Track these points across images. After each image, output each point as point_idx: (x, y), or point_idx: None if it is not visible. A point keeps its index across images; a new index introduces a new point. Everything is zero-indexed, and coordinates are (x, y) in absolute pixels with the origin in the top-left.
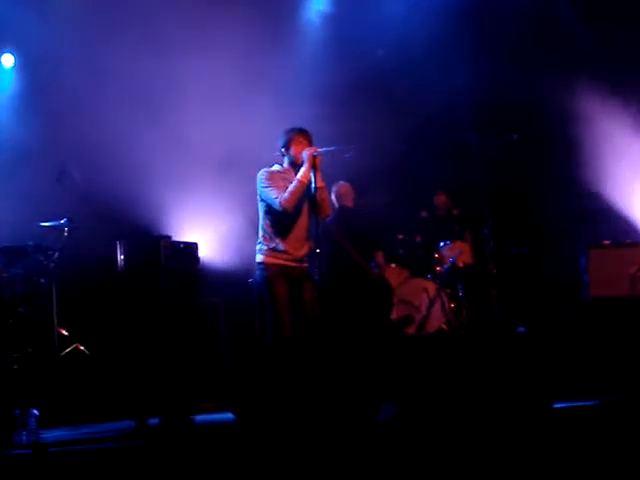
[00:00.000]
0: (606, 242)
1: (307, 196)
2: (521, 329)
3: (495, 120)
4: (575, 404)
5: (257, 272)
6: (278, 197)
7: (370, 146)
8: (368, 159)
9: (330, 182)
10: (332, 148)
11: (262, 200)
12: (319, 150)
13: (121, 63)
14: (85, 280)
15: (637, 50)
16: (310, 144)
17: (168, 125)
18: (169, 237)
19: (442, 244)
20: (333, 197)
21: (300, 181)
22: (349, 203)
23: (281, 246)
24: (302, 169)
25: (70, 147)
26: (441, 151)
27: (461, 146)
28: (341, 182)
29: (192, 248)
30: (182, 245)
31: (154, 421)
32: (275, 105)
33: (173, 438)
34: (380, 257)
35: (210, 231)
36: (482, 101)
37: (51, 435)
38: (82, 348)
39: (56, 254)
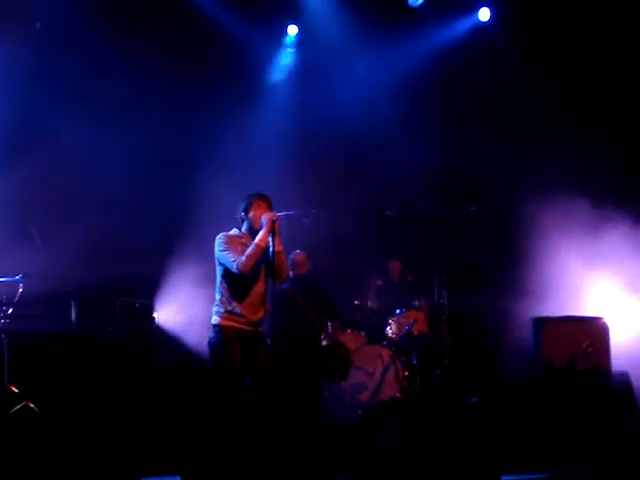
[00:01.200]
0: (559, 316)
1: (264, 261)
2: (474, 399)
3: (452, 191)
4: (525, 477)
5: (212, 334)
6: (236, 260)
7: (328, 212)
8: (326, 225)
9: (287, 246)
10: (291, 212)
11: (220, 264)
12: (278, 214)
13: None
14: (38, 337)
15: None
16: (269, 209)
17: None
18: (125, 296)
19: (398, 311)
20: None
21: (258, 245)
22: (304, 271)
23: (238, 309)
24: (260, 233)
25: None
26: (398, 219)
27: (419, 215)
28: (297, 251)
29: (148, 308)
30: (138, 304)
31: None
32: (237, 170)
33: None
34: (336, 326)
35: (167, 293)
36: (439, 172)
37: None
38: (32, 405)
39: (10, 310)
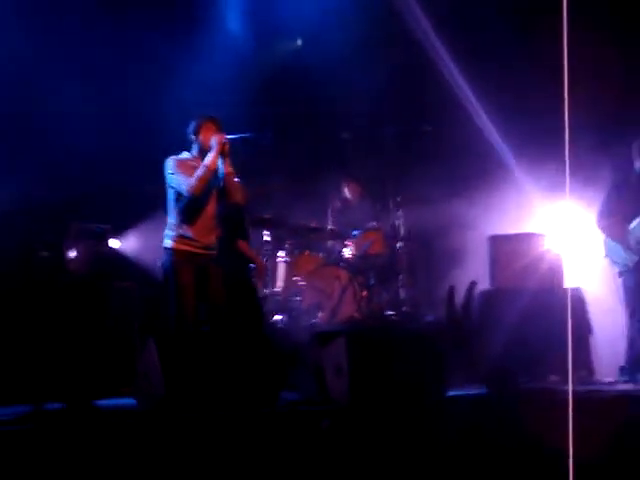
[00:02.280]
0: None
1: (215, 184)
2: (429, 317)
3: (407, 112)
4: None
5: (164, 257)
6: (185, 183)
7: (284, 134)
8: (282, 146)
9: (243, 169)
10: (246, 135)
11: (170, 187)
12: (228, 137)
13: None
14: None
15: None
16: (219, 131)
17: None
18: (80, 220)
19: (355, 233)
20: None
21: (207, 167)
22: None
23: (188, 233)
24: (209, 155)
25: None
26: (354, 141)
27: (375, 136)
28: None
29: (104, 231)
30: (93, 228)
31: (56, 406)
32: (191, 92)
33: (74, 423)
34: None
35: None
36: (396, 93)
37: None
38: None
39: None
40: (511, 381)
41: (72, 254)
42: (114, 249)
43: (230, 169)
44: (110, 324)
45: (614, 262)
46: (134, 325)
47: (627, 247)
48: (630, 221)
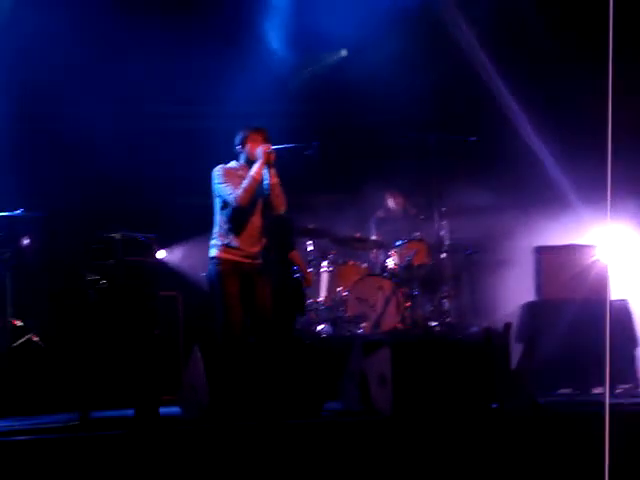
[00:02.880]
0: (559, 245)
1: (261, 193)
2: (474, 329)
3: (452, 122)
4: None
5: (210, 267)
6: (232, 193)
7: (330, 144)
8: (327, 157)
9: (286, 179)
10: (290, 145)
11: (217, 196)
12: (273, 147)
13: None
14: (41, 272)
15: None
16: (266, 141)
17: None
18: (126, 230)
19: (398, 243)
20: None
21: (253, 177)
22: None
23: (234, 242)
24: (255, 165)
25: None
26: (399, 151)
27: (419, 145)
28: None
29: (150, 241)
30: (140, 238)
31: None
32: (237, 105)
33: (144, 430)
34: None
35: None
36: (439, 102)
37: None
38: (36, 339)
39: (11, 244)
40: (526, 395)
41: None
42: (160, 259)
43: (275, 179)
44: (156, 332)
45: None
46: (179, 334)
47: None
48: None
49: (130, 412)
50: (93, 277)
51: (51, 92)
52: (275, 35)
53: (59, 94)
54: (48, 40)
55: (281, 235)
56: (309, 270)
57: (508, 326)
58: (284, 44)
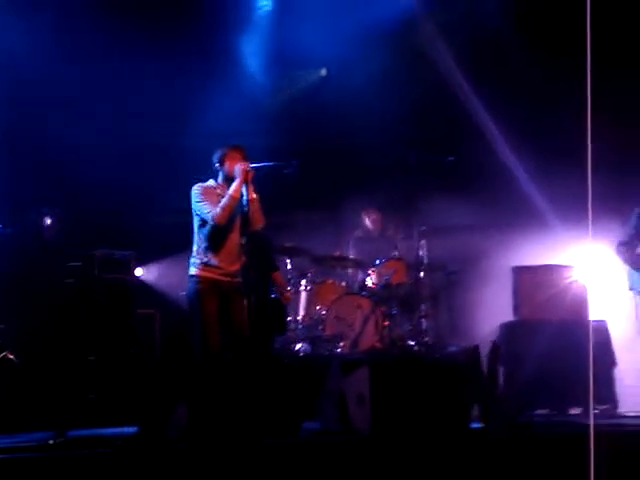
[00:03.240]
0: (536, 265)
1: (240, 211)
2: (452, 348)
3: (429, 141)
4: None
5: (189, 285)
6: (211, 212)
7: (308, 163)
8: (305, 175)
9: (265, 197)
10: (269, 164)
11: (196, 214)
12: (252, 165)
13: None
14: (19, 289)
15: None
16: (244, 159)
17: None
18: (104, 247)
19: (377, 262)
20: None
21: (232, 196)
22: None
23: (213, 260)
24: (234, 184)
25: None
26: (376, 170)
27: (397, 163)
28: None
29: (128, 259)
30: (117, 256)
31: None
32: (217, 120)
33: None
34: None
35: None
36: (420, 120)
37: None
38: (11, 357)
39: None
40: (508, 416)
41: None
42: (138, 277)
43: (254, 195)
44: (131, 351)
45: (638, 292)
46: (156, 352)
47: None
48: None
49: (106, 431)
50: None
51: (31, 108)
52: (254, 58)
53: (39, 111)
54: (33, 53)
55: (259, 253)
56: (288, 288)
57: (496, 347)
58: (263, 67)
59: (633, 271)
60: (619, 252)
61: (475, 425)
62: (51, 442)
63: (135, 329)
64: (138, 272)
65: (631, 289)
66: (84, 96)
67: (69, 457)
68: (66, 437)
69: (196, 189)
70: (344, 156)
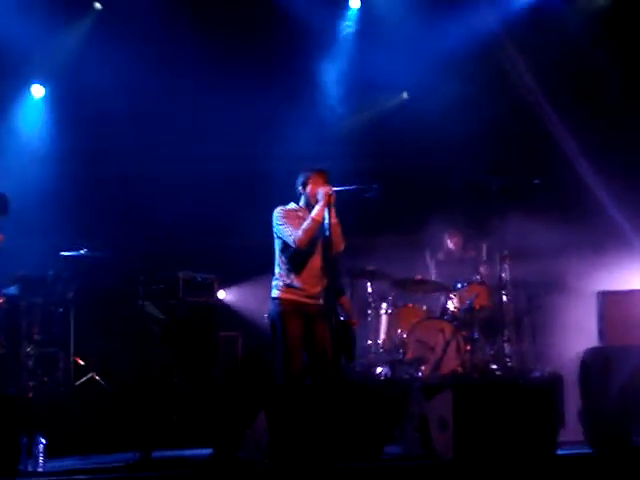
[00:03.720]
0: (623, 290)
1: (321, 234)
2: (536, 373)
3: (514, 164)
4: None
5: (272, 307)
6: (292, 235)
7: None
8: (388, 198)
9: (348, 221)
10: (352, 187)
11: (278, 237)
12: (334, 189)
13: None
14: (104, 311)
15: None
16: (326, 183)
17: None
18: (188, 271)
19: (459, 286)
20: None
21: (314, 219)
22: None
23: (296, 283)
24: (316, 207)
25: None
26: (460, 193)
27: (480, 189)
28: None
29: (210, 281)
30: (200, 279)
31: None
32: (298, 144)
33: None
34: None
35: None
36: (502, 144)
37: (58, 464)
38: (97, 378)
39: (75, 283)
40: (623, 441)
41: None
42: (220, 299)
43: (335, 219)
44: (216, 372)
45: None
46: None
47: None
48: None
49: (188, 452)
50: (155, 315)
51: (113, 139)
52: (336, 81)
53: (121, 140)
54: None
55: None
56: (368, 312)
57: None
58: (344, 90)
59: None
60: None
61: (580, 450)
62: (132, 462)
63: (218, 351)
64: (221, 295)
65: None
66: (164, 122)
67: (153, 478)
68: (151, 458)
69: (278, 212)
70: (426, 179)
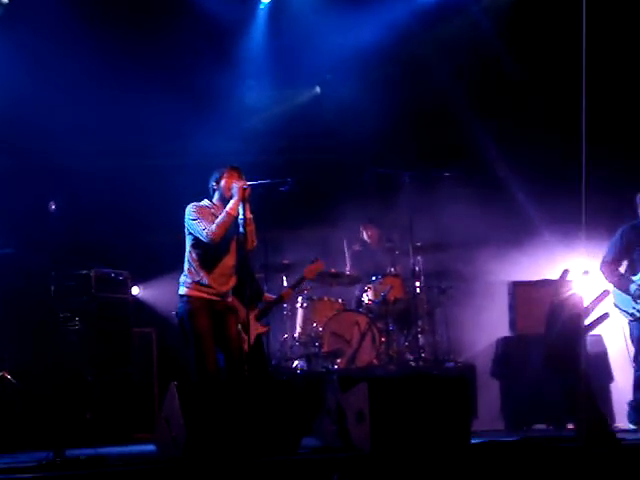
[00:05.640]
0: (534, 280)
1: (235, 232)
2: (450, 364)
3: (427, 157)
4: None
5: (180, 305)
6: (206, 229)
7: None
8: (302, 192)
9: (261, 216)
10: (265, 181)
11: (189, 234)
12: (249, 183)
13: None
14: (14, 309)
15: None
16: (240, 178)
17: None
18: (99, 266)
19: (374, 278)
20: None
21: (228, 213)
22: None
23: (205, 280)
24: (231, 202)
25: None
26: (373, 186)
27: (392, 181)
28: None
29: (124, 278)
30: (113, 274)
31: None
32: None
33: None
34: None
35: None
36: (413, 138)
37: None
38: (9, 377)
39: None
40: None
41: None
42: (134, 295)
43: (250, 215)
44: (130, 370)
45: (622, 311)
46: (153, 371)
47: (631, 296)
48: (635, 271)
49: (104, 450)
50: (66, 315)
51: (24, 129)
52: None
53: (33, 131)
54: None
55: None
56: (284, 306)
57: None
58: (256, 86)
59: (617, 290)
60: (603, 271)
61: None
62: (46, 462)
63: (132, 348)
64: (134, 291)
65: (615, 306)
66: (79, 114)
67: (68, 477)
68: (64, 456)
69: (191, 208)
70: (338, 173)
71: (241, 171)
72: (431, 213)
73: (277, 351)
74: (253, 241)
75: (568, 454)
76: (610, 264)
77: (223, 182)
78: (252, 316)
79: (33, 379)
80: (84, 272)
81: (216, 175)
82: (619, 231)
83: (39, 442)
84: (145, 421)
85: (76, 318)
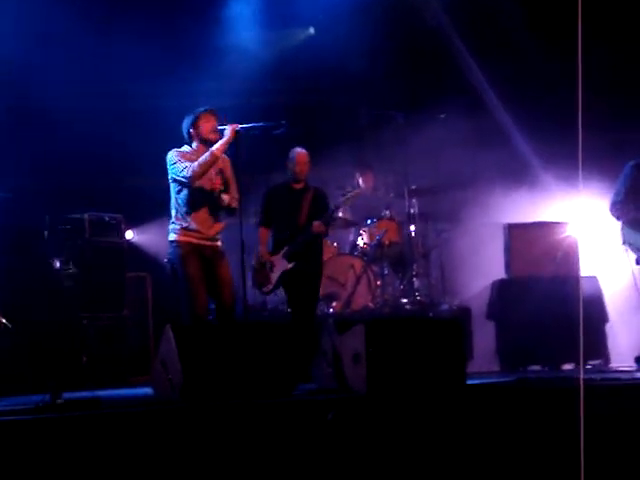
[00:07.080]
0: (529, 222)
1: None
2: (444, 306)
3: (422, 99)
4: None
5: (170, 250)
6: (188, 167)
7: (298, 123)
8: (295, 136)
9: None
10: (259, 124)
11: (174, 180)
12: (242, 126)
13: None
14: (6, 252)
15: None
16: (217, 121)
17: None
18: (93, 210)
19: (369, 222)
20: None
21: (213, 153)
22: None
23: (193, 225)
24: (220, 142)
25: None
26: (367, 129)
27: (388, 124)
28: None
29: (118, 222)
30: (107, 219)
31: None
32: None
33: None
34: None
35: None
36: (411, 80)
37: None
38: (3, 320)
39: None
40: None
41: None
42: (128, 240)
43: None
44: (125, 314)
45: (633, 249)
46: (148, 314)
47: None
48: None
49: (99, 393)
50: (60, 259)
51: (12, 70)
52: (239, 17)
53: (21, 72)
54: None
55: None
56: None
57: None
58: (248, 26)
59: (626, 226)
60: (614, 210)
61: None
62: (43, 404)
63: (126, 292)
64: (128, 235)
65: (624, 243)
66: (66, 57)
67: (66, 419)
68: (62, 399)
69: (172, 153)
70: (333, 115)
71: (217, 113)
72: (426, 155)
73: (274, 295)
74: (233, 201)
75: (563, 395)
76: (622, 203)
77: (201, 126)
78: (279, 255)
79: (28, 323)
80: (78, 216)
81: (190, 119)
82: (626, 170)
83: (35, 386)
84: (141, 364)
85: (70, 262)
